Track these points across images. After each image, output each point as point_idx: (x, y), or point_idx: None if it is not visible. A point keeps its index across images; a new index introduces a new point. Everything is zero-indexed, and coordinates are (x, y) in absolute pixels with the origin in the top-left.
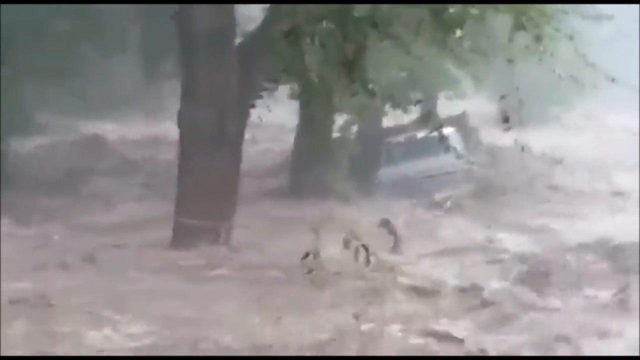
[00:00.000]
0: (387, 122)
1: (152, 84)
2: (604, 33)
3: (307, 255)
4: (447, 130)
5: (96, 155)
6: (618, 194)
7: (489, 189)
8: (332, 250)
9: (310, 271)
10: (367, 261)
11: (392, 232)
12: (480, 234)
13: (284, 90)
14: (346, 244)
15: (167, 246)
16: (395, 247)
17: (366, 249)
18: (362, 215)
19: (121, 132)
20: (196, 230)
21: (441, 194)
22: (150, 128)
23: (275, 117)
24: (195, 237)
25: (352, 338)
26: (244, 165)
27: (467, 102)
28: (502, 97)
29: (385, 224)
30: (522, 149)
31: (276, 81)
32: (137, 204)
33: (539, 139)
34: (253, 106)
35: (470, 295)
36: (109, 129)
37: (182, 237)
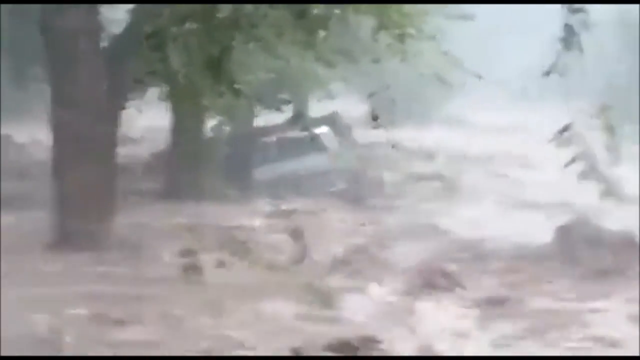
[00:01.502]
0: (260, 122)
1: (21, 88)
2: (471, 32)
3: (185, 254)
4: (321, 130)
5: None
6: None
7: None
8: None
9: (186, 269)
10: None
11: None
12: None
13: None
14: (225, 245)
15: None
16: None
17: (246, 250)
18: (240, 215)
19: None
20: (77, 233)
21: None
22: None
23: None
24: (76, 240)
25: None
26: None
27: (339, 103)
28: (371, 94)
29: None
30: (393, 146)
31: (143, 83)
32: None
33: (412, 137)
34: (123, 108)
35: None
36: None
37: (61, 240)
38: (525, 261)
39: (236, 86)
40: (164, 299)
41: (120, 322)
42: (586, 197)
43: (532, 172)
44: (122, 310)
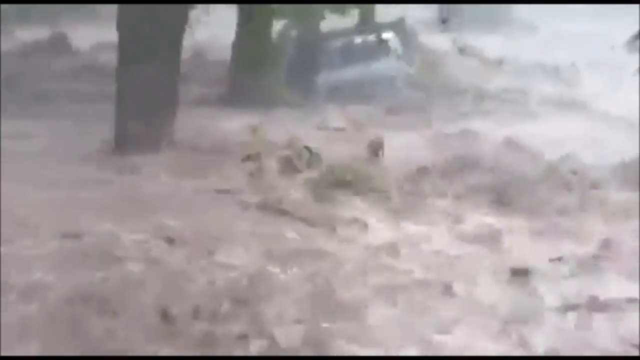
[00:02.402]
0: (326, 27)
1: None
2: None
3: (248, 157)
4: (387, 35)
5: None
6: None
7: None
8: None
9: (251, 174)
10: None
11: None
12: None
13: None
14: (289, 145)
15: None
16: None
17: (309, 150)
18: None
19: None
20: (138, 135)
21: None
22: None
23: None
24: (138, 143)
25: None
26: (183, 72)
27: (405, 7)
28: None
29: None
30: (460, 51)
31: None
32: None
33: (480, 43)
34: (193, 8)
35: None
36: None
37: (123, 143)
38: None
39: None
40: None
41: None
42: None
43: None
44: None
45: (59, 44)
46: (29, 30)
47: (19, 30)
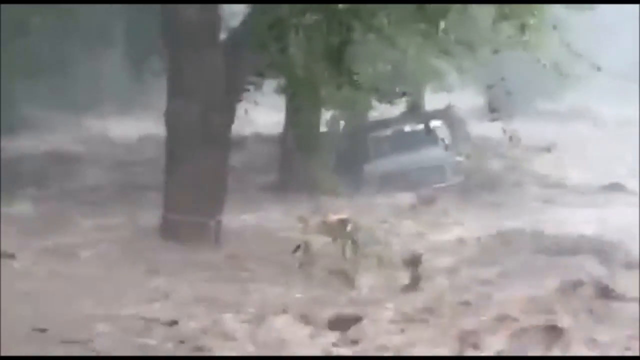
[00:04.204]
0: (374, 116)
1: (138, 81)
2: (585, 24)
3: (297, 248)
4: (434, 123)
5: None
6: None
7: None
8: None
9: (300, 265)
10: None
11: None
12: None
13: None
14: (334, 239)
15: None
16: (413, 284)
17: (356, 243)
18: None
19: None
20: (184, 226)
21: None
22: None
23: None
24: (184, 233)
25: None
26: (232, 160)
27: (454, 95)
28: (490, 86)
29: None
30: (511, 139)
31: (262, 75)
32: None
33: (526, 130)
34: (240, 101)
35: None
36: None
37: (169, 233)
38: None
39: (355, 78)
40: None
41: None
42: None
43: None
44: None
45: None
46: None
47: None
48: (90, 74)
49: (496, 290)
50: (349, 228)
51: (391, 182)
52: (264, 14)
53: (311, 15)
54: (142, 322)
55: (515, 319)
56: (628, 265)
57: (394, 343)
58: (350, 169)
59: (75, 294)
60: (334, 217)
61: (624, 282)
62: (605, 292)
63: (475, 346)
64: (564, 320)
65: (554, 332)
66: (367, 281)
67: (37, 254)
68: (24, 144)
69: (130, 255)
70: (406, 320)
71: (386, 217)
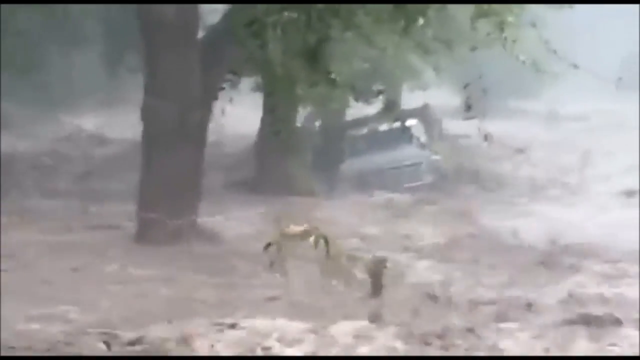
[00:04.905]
0: (350, 114)
1: (114, 78)
2: (564, 24)
3: (268, 245)
4: (410, 122)
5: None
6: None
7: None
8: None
9: (272, 263)
10: (327, 252)
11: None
12: None
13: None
14: (305, 236)
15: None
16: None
17: (326, 240)
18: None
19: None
20: (159, 225)
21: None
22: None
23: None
24: (159, 233)
25: None
26: (208, 158)
27: (429, 94)
28: (466, 85)
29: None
30: (485, 138)
31: (238, 73)
32: None
33: (502, 129)
34: (216, 98)
35: None
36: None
37: (145, 232)
38: None
39: (332, 76)
40: None
41: None
42: None
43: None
44: None
45: None
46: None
47: None
48: (65, 71)
49: None
50: (311, 240)
51: (367, 180)
52: (242, 12)
53: (289, 13)
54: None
55: None
56: None
57: None
58: (326, 168)
59: None
60: (294, 229)
61: None
62: None
63: None
64: None
65: None
66: None
67: None
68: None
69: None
70: None
71: (362, 218)
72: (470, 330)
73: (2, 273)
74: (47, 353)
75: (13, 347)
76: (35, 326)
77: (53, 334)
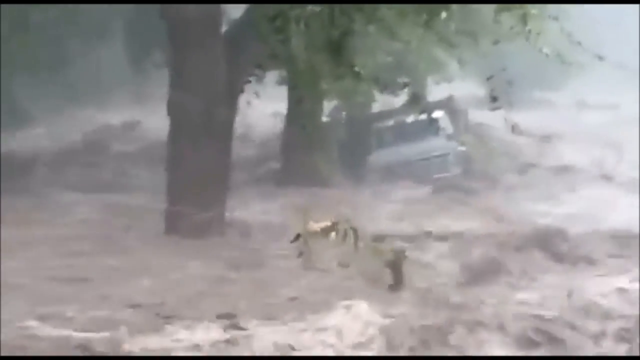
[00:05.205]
0: (376, 107)
1: (140, 73)
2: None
3: (297, 237)
4: (436, 114)
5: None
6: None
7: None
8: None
9: (300, 254)
10: (356, 244)
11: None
12: None
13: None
14: (334, 228)
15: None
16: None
17: (355, 232)
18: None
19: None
20: (188, 218)
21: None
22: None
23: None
24: (188, 225)
25: None
26: (235, 151)
27: (455, 86)
28: (490, 77)
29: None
30: (513, 128)
31: (262, 67)
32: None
33: (527, 120)
34: (242, 92)
35: None
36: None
37: (174, 225)
38: None
39: (356, 69)
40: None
41: None
42: None
43: None
44: None
45: None
46: None
47: None
48: (90, 68)
49: None
50: (338, 232)
51: (395, 172)
52: (265, 6)
53: (313, 7)
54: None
55: None
56: None
57: None
58: (353, 160)
59: None
60: (322, 221)
61: None
62: None
63: None
64: None
65: None
66: None
67: None
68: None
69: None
70: None
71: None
72: None
73: None
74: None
75: None
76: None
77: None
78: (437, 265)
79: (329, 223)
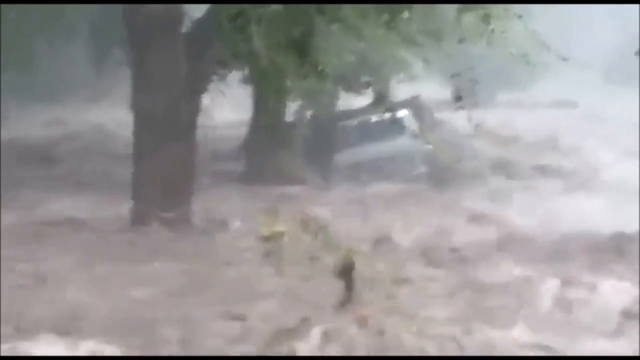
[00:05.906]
0: (341, 106)
1: (103, 71)
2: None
3: (266, 237)
4: (401, 113)
5: None
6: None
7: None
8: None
9: (267, 254)
10: (325, 243)
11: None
12: None
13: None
14: (304, 226)
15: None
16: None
17: (325, 231)
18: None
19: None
20: (154, 217)
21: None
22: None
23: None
24: (153, 224)
25: None
26: (199, 150)
27: (422, 86)
28: (455, 74)
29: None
30: (476, 127)
31: (225, 66)
32: None
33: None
34: (205, 91)
35: None
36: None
37: (139, 224)
38: None
39: (320, 68)
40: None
41: None
42: None
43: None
44: None
45: None
46: None
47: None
48: (52, 65)
49: None
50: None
51: (360, 172)
52: (227, 5)
53: (274, 7)
54: None
55: None
56: None
57: None
58: (318, 159)
59: None
60: (289, 221)
61: None
62: None
63: None
64: None
65: None
66: None
67: None
68: None
69: None
70: None
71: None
72: None
73: None
74: None
75: None
76: None
77: None
78: None
79: (296, 222)
